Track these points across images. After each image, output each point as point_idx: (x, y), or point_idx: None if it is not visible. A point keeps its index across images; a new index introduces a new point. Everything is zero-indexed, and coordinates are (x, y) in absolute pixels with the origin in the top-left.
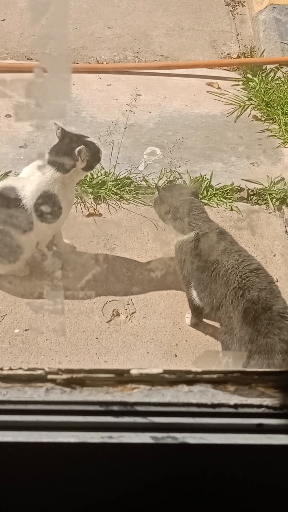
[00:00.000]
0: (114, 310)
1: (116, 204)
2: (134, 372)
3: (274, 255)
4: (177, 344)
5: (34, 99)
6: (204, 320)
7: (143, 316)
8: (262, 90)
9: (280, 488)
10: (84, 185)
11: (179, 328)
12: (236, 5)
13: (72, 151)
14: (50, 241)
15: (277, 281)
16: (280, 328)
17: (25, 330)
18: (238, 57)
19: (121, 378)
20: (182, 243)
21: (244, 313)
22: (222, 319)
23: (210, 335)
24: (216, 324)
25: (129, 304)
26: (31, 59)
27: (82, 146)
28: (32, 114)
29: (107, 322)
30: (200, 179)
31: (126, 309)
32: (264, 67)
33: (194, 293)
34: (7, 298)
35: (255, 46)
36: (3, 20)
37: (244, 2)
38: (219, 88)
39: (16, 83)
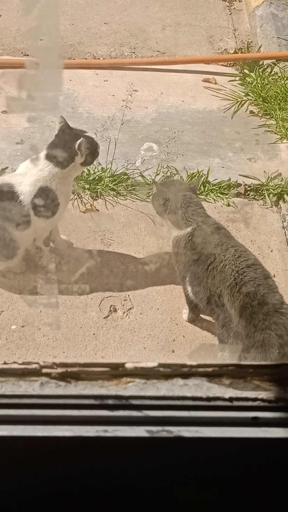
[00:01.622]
0: (111, 306)
1: (113, 200)
2: (129, 365)
3: (271, 251)
4: (174, 339)
5: (26, 91)
6: (202, 315)
7: (140, 312)
8: (259, 86)
9: (276, 481)
10: (80, 181)
11: (176, 324)
12: (233, 0)
13: (71, 145)
14: (47, 237)
15: (274, 276)
16: (277, 323)
17: (22, 326)
18: (235, 52)
19: (116, 372)
20: (179, 238)
21: (241, 309)
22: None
23: (207, 331)
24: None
25: (126, 300)
26: (28, 55)
27: (82, 139)
28: (24, 106)
29: (104, 318)
30: (198, 174)
31: (123, 305)
32: (261, 62)
33: (190, 288)
34: (3, 294)
35: (252, 42)
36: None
37: None
38: (216, 83)
39: (8, 75)
